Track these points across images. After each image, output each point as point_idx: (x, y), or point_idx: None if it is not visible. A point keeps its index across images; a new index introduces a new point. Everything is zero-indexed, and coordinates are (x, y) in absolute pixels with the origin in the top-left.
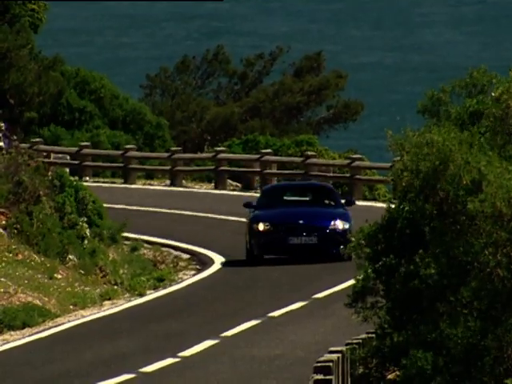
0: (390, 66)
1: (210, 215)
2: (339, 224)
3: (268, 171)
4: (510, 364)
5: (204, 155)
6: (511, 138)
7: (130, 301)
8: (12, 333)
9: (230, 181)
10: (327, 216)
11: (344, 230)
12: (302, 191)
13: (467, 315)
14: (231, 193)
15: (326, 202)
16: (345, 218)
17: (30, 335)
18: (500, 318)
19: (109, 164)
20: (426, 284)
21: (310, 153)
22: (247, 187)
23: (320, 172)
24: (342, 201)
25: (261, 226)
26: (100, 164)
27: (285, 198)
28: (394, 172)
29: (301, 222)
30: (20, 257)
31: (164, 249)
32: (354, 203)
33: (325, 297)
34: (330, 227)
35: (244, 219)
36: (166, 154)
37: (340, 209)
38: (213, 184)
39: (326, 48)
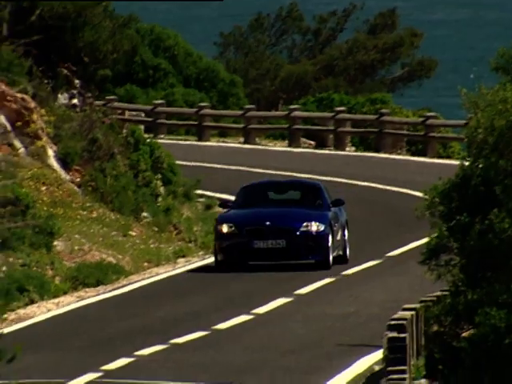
0: (465, 23)
1: (283, 173)
2: (313, 226)
3: (342, 129)
4: None
5: (278, 113)
6: None
7: (203, 258)
8: (87, 289)
9: (303, 139)
10: (299, 217)
11: (318, 233)
12: (286, 189)
13: None
14: (305, 150)
15: (312, 201)
16: (321, 220)
17: (104, 292)
18: None
19: (183, 122)
20: (501, 240)
21: (383, 111)
22: (321, 145)
23: (394, 130)
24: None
25: (224, 228)
26: (174, 122)
27: (266, 196)
28: (468, 129)
29: (267, 223)
30: (94, 214)
31: None
32: (343, 203)
33: (398, 255)
34: (302, 229)
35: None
36: (239, 112)
37: (321, 209)
38: (286, 142)
39: (400, 5)
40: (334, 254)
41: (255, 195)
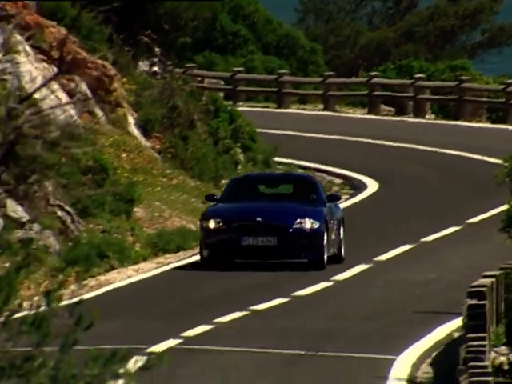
0: None
1: (364, 140)
2: (307, 223)
3: (421, 96)
4: None
5: (357, 80)
6: None
7: None
8: (167, 256)
9: (383, 106)
10: (293, 212)
11: (312, 231)
12: (278, 183)
13: None
14: (384, 118)
15: (306, 196)
16: (316, 216)
17: (184, 258)
18: None
19: (262, 89)
20: None
21: (463, 77)
22: (400, 112)
23: (474, 97)
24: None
25: (211, 224)
26: (253, 89)
27: (257, 190)
28: None
29: (258, 219)
30: (174, 181)
31: (317, 173)
32: (340, 199)
33: (479, 222)
34: (295, 226)
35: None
36: (319, 79)
37: (316, 205)
38: (366, 109)
39: None
40: (329, 253)
41: (244, 188)
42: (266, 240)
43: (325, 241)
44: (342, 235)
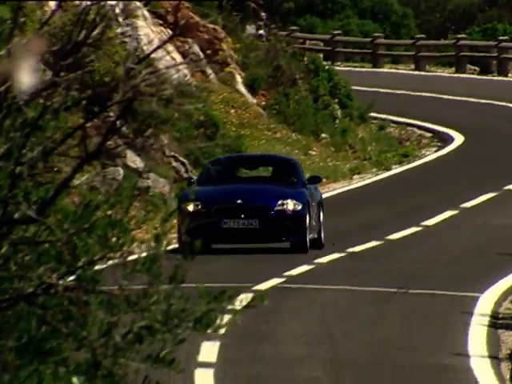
0: None
1: (451, 97)
2: (289, 204)
3: (505, 56)
4: None
5: (446, 42)
6: None
7: (377, 175)
8: None
9: (469, 65)
10: (274, 194)
11: (295, 212)
12: (257, 165)
13: None
14: (470, 76)
15: (286, 178)
16: (298, 198)
17: None
18: None
19: (358, 50)
20: None
21: None
22: (485, 71)
23: None
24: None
25: (190, 207)
26: (350, 50)
27: (235, 172)
28: None
29: (239, 201)
30: (278, 135)
31: (408, 128)
32: (321, 180)
33: None
34: (277, 208)
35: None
36: (410, 41)
37: (297, 187)
38: (453, 68)
39: None
40: (310, 236)
41: (223, 171)
42: (247, 223)
43: (307, 223)
44: (321, 219)
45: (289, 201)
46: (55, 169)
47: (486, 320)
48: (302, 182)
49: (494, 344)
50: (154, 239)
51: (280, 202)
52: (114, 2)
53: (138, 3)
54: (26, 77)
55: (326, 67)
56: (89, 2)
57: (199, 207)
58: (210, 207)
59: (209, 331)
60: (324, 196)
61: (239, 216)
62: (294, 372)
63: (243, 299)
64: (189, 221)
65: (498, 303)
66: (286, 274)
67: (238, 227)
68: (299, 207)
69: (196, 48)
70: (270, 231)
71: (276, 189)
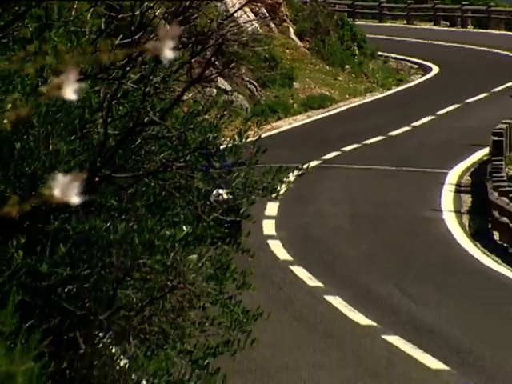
0: None
1: (430, 42)
2: (223, 193)
3: (465, 15)
4: None
5: (427, 5)
6: None
7: (382, 93)
8: (313, 111)
9: (442, 21)
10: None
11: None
12: None
13: None
14: (443, 28)
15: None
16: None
17: (323, 113)
18: None
19: (369, 11)
20: None
21: (492, 4)
22: (452, 25)
23: (497, 14)
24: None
25: None
26: (365, 11)
27: None
28: None
29: None
30: (317, 67)
31: (402, 62)
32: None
33: (499, 90)
34: (212, 198)
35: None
36: (404, 5)
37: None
38: (432, 23)
39: None
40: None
41: None
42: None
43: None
44: None
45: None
46: (171, 89)
47: (453, 188)
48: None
49: (457, 203)
50: (238, 134)
51: (215, 192)
52: None
53: None
54: (170, 53)
55: (349, 22)
56: None
57: None
58: None
59: (273, 195)
60: (348, 107)
61: None
62: (328, 222)
63: (294, 174)
64: None
65: (461, 176)
66: (322, 157)
67: None
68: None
69: (263, 10)
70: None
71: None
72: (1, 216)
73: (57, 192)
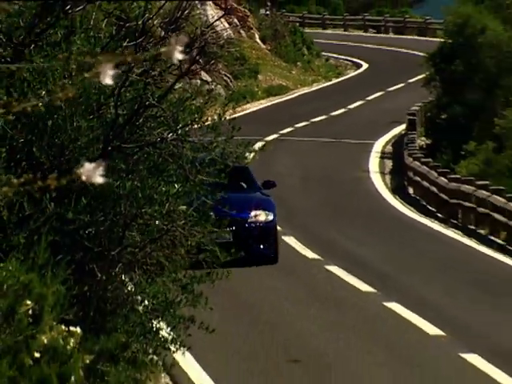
0: None
1: (361, 45)
2: (261, 215)
3: (388, 24)
4: None
5: (359, 17)
6: None
7: (325, 83)
8: (274, 97)
9: (370, 29)
10: (245, 204)
11: (268, 223)
12: None
13: None
14: (371, 34)
15: (243, 184)
16: (267, 207)
17: (281, 98)
18: None
19: (315, 21)
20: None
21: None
22: (378, 32)
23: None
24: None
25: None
26: (311, 21)
27: None
28: None
29: (211, 214)
30: (276, 64)
31: (340, 60)
32: (276, 185)
33: (414, 81)
34: (251, 220)
35: None
36: (341, 17)
37: (258, 194)
38: (362, 30)
39: None
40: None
41: None
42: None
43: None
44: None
45: (261, 211)
46: (166, 80)
47: (378, 155)
48: (257, 187)
49: (382, 166)
50: (217, 115)
51: (253, 214)
52: None
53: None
54: (179, 56)
55: (300, 30)
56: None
57: None
58: None
59: (244, 161)
60: (298, 94)
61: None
62: (284, 181)
63: (259, 145)
64: None
65: (384, 146)
66: (280, 132)
67: None
68: (270, 217)
69: (235, 20)
70: (243, 243)
71: (245, 197)
72: (45, 188)
73: (84, 177)
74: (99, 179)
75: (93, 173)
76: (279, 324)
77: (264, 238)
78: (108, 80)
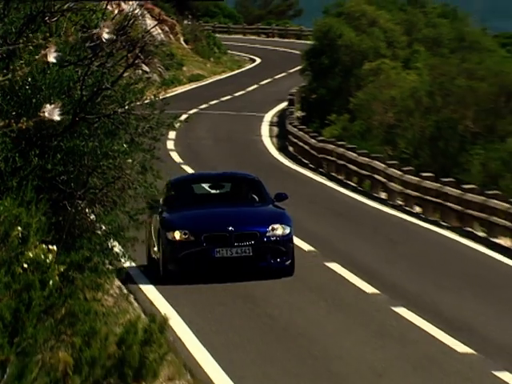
0: None
1: (259, 46)
2: (279, 229)
3: (281, 32)
4: None
5: (254, 26)
6: None
7: (230, 73)
8: (194, 83)
9: (265, 35)
10: (263, 218)
11: (285, 236)
12: (221, 184)
13: None
14: (269, 39)
15: (252, 197)
16: (284, 220)
17: (199, 84)
18: None
19: (221, 29)
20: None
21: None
22: (274, 37)
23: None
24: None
25: (177, 235)
26: (220, 30)
27: (202, 193)
28: None
29: (230, 228)
30: (195, 59)
31: (241, 56)
32: (287, 198)
33: (293, 72)
34: (268, 234)
35: None
36: (241, 26)
37: (273, 207)
38: (262, 36)
39: None
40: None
41: (187, 191)
42: (240, 251)
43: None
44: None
45: (278, 225)
46: (117, 70)
47: (268, 123)
48: (270, 201)
49: (270, 132)
50: (153, 96)
51: (270, 228)
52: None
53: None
54: (107, 36)
55: (213, 35)
56: (127, 8)
57: (187, 236)
58: (200, 235)
59: (173, 127)
60: (211, 81)
61: (232, 244)
62: (202, 142)
63: (184, 117)
64: (176, 250)
65: (272, 117)
66: (199, 107)
67: (230, 256)
68: (287, 231)
69: (166, 28)
70: (262, 258)
71: (261, 211)
72: (20, 129)
73: (46, 114)
74: (57, 117)
75: (52, 111)
76: None
77: (282, 251)
78: (52, 59)
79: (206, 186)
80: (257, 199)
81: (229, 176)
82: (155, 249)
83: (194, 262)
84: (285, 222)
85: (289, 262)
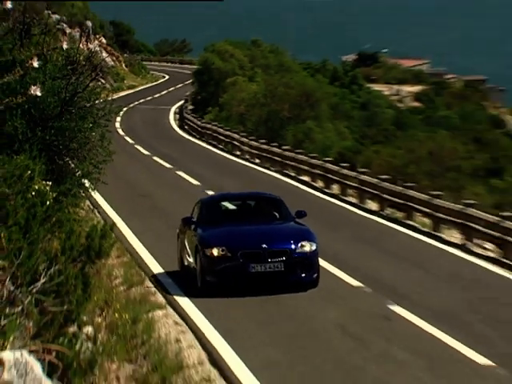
0: None
1: (166, 68)
2: (306, 246)
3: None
4: None
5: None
6: None
7: (151, 84)
8: (131, 90)
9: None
10: (292, 236)
11: (312, 252)
12: (247, 202)
13: None
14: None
15: (275, 214)
16: (311, 238)
17: (133, 90)
18: None
19: (147, 58)
20: None
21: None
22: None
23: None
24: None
25: (215, 251)
26: (147, 59)
27: (224, 209)
28: None
29: (264, 245)
30: (132, 76)
31: (157, 74)
32: (306, 215)
33: (187, 84)
34: (298, 250)
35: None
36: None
37: (295, 224)
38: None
39: None
40: None
41: (218, 209)
42: (273, 266)
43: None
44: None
45: (306, 242)
46: (85, 82)
47: (173, 112)
48: (291, 218)
49: (175, 118)
50: (106, 96)
51: (300, 245)
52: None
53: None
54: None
55: (141, 62)
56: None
57: (224, 252)
58: (236, 252)
59: (117, 115)
60: (140, 89)
61: (265, 260)
62: (136, 124)
63: (125, 109)
64: (214, 263)
65: (176, 109)
66: (134, 104)
67: (264, 271)
68: (314, 247)
69: (114, 57)
70: (293, 273)
71: (291, 229)
72: (17, 103)
73: (32, 92)
74: (39, 93)
75: (36, 90)
76: None
77: (309, 266)
78: (36, 65)
79: (227, 203)
80: (277, 216)
81: (254, 195)
82: (190, 259)
83: (231, 276)
84: (311, 240)
85: (315, 275)
